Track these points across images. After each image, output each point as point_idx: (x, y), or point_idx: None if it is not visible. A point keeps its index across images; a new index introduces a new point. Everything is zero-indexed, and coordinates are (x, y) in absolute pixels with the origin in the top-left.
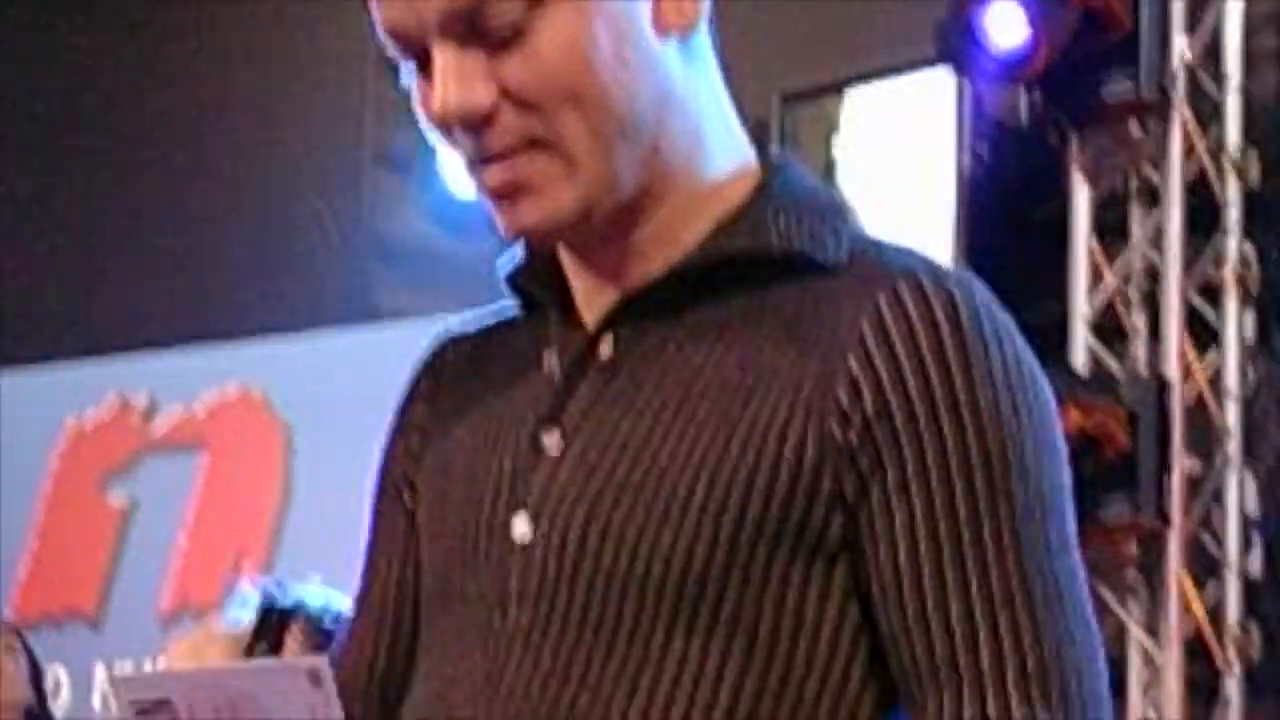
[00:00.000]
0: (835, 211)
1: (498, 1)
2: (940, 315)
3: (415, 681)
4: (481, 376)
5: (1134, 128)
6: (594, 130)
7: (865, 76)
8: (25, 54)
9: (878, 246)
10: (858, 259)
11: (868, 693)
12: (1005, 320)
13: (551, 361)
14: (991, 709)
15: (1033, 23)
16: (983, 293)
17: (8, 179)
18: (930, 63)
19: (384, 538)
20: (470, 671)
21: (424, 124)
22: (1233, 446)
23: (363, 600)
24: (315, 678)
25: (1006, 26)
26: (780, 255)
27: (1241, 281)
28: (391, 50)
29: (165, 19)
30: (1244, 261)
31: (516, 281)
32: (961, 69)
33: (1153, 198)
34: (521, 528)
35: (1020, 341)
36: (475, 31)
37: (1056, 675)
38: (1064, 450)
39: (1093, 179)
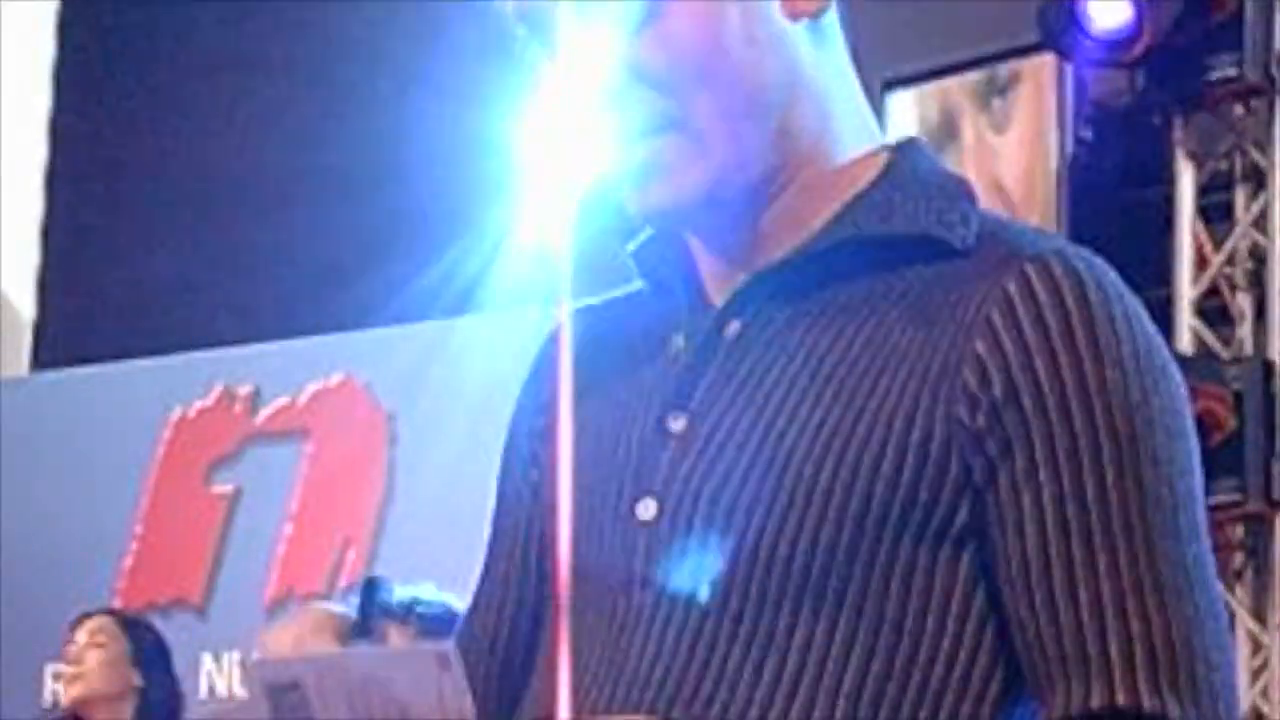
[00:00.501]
0: (961, 194)
1: None
2: (1069, 298)
3: (538, 656)
4: (608, 356)
5: (1238, 110)
6: (723, 111)
7: (968, 65)
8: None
9: (1006, 228)
10: (986, 241)
11: (994, 679)
12: (1135, 304)
13: (679, 343)
14: (1121, 698)
15: (1135, 4)
16: (1112, 276)
17: (115, 169)
18: (1033, 49)
19: (509, 514)
20: (593, 652)
21: (562, 104)
22: None
23: (487, 573)
24: (444, 662)
25: (1108, 9)
26: (908, 237)
27: None
28: (516, 29)
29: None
30: None
31: (644, 262)
32: (1064, 53)
33: (1258, 180)
34: (648, 509)
35: (1150, 325)
36: (607, 10)
37: (1186, 664)
38: (1194, 436)
39: (1197, 162)
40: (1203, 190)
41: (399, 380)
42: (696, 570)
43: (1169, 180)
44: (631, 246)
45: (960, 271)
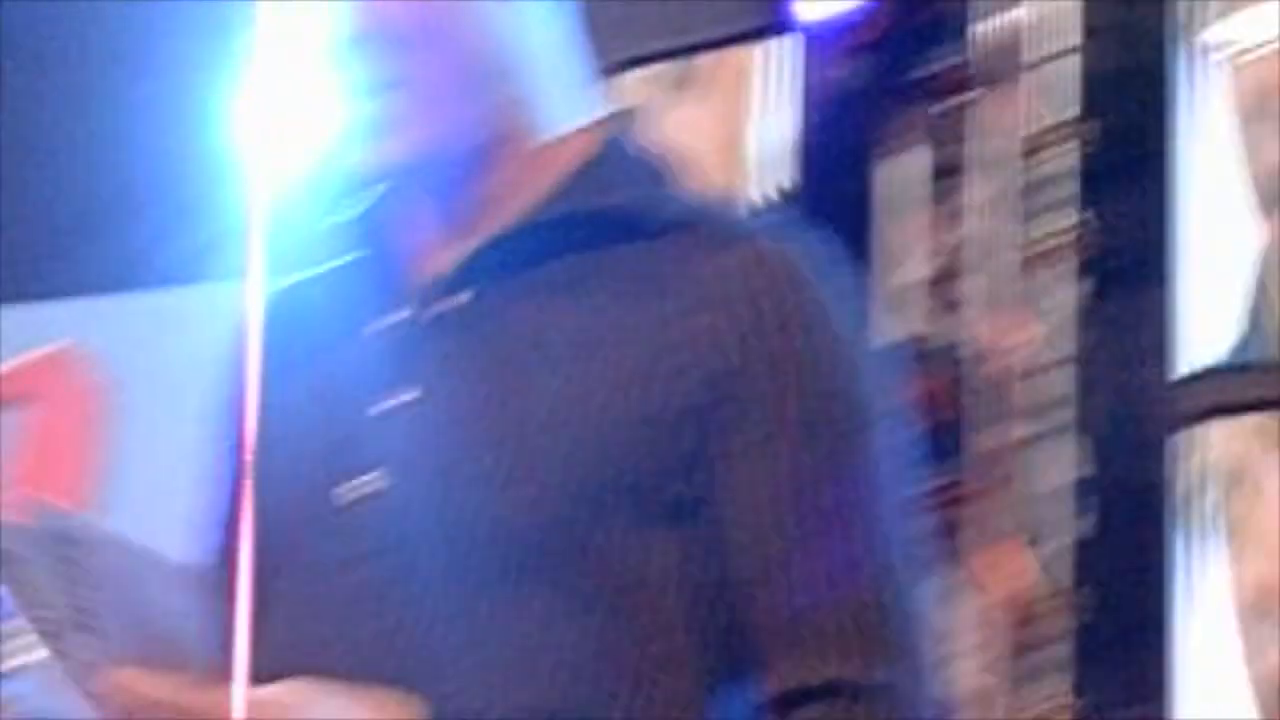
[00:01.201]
0: (678, 173)
1: None
2: (786, 278)
3: (263, 636)
4: (321, 330)
5: (968, 97)
6: (453, 71)
7: (705, 46)
8: None
9: (722, 208)
10: (702, 220)
11: (712, 656)
12: (847, 283)
13: (397, 315)
14: (836, 670)
15: None
16: (826, 256)
17: None
18: (771, 32)
19: (237, 489)
20: (323, 627)
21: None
22: (1061, 412)
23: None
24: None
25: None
26: (626, 214)
27: (1071, 250)
28: None
29: None
30: (1075, 231)
31: (355, 233)
32: (794, 36)
33: (986, 167)
34: (370, 483)
35: (861, 305)
36: None
37: (901, 638)
38: (906, 414)
39: (927, 147)
40: (931, 176)
41: (125, 349)
42: (424, 543)
43: (899, 165)
44: (340, 218)
45: (679, 249)
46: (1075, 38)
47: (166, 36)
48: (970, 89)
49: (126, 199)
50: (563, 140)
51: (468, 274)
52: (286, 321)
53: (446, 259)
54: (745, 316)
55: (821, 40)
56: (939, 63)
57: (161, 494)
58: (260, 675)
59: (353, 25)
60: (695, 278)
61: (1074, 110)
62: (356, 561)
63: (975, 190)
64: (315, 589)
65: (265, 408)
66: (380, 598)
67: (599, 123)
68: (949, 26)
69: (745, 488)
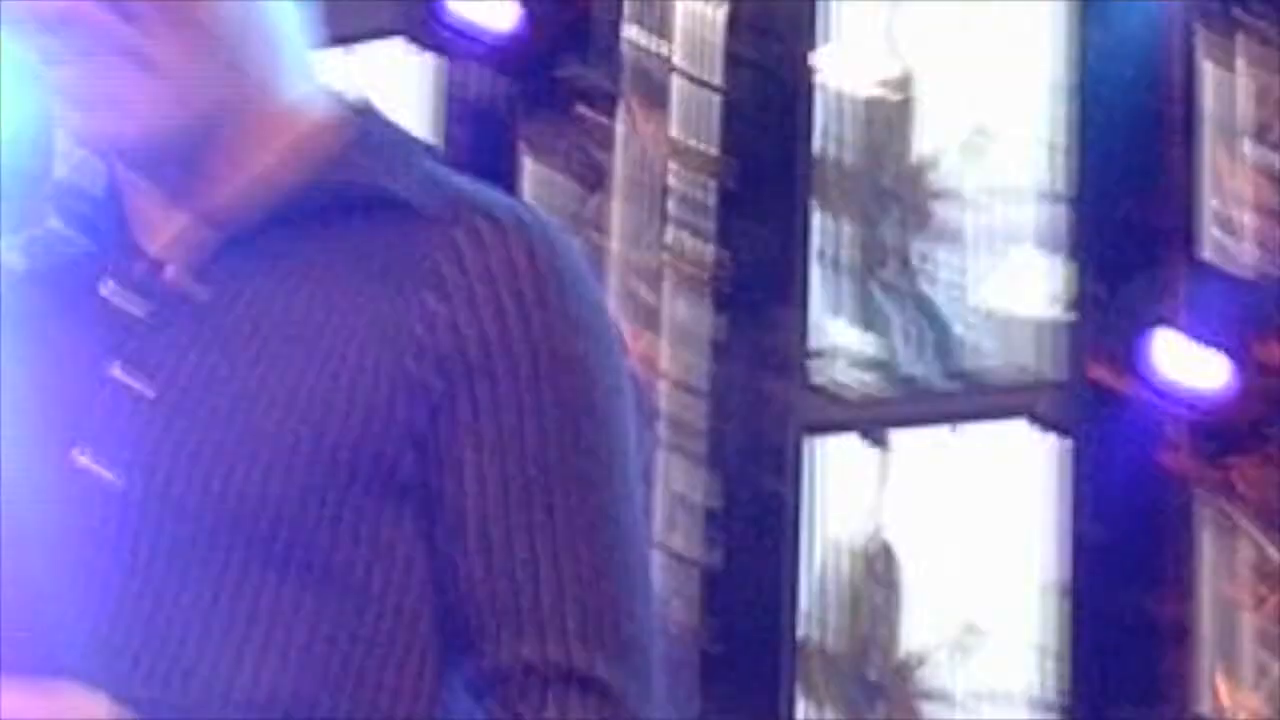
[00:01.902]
0: (418, 151)
1: None
2: (517, 252)
3: None
4: (27, 307)
5: (585, 111)
6: (178, 40)
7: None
8: None
9: (459, 187)
10: (439, 197)
11: (445, 635)
12: (583, 264)
13: (117, 292)
14: (551, 652)
15: (496, 2)
16: (561, 235)
17: None
18: (391, 33)
19: None
20: (52, 603)
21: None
22: (661, 428)
23: None
24: None
25: (471, 6)
26: (365, 193)
27: (677, 268)
28: None
29: None
30: (681, 250)
31: (65, 200)
32: (428, 45)
33: (599, 181)
34: (100, 471)
35: (596, 286)
36: None
37: (617, 622)
38: (632, 399)
39: (540, 158)
40: (544, 186)
41: None
42: (156, 530)
43: (515, 175)
44: (61, 181)
45: (414, 226)
46: (717, 75)
47: None
48: (614, 109)
49: None
50: (290, 115)
51: (184, 251)
52: (8, 282)
53: (171, 230)
54: (477, 294)
55: (464, 53)
56: (583, 80)
57: None
58: None
59: None
60: (429, 254)
61: (712, 142)
62: (85, 535)
63: (613, 209)
64: (45, 560)
65: None
66: (109, 588)
67: (339, 104)
68: (595, 46)
69: (473, 465)
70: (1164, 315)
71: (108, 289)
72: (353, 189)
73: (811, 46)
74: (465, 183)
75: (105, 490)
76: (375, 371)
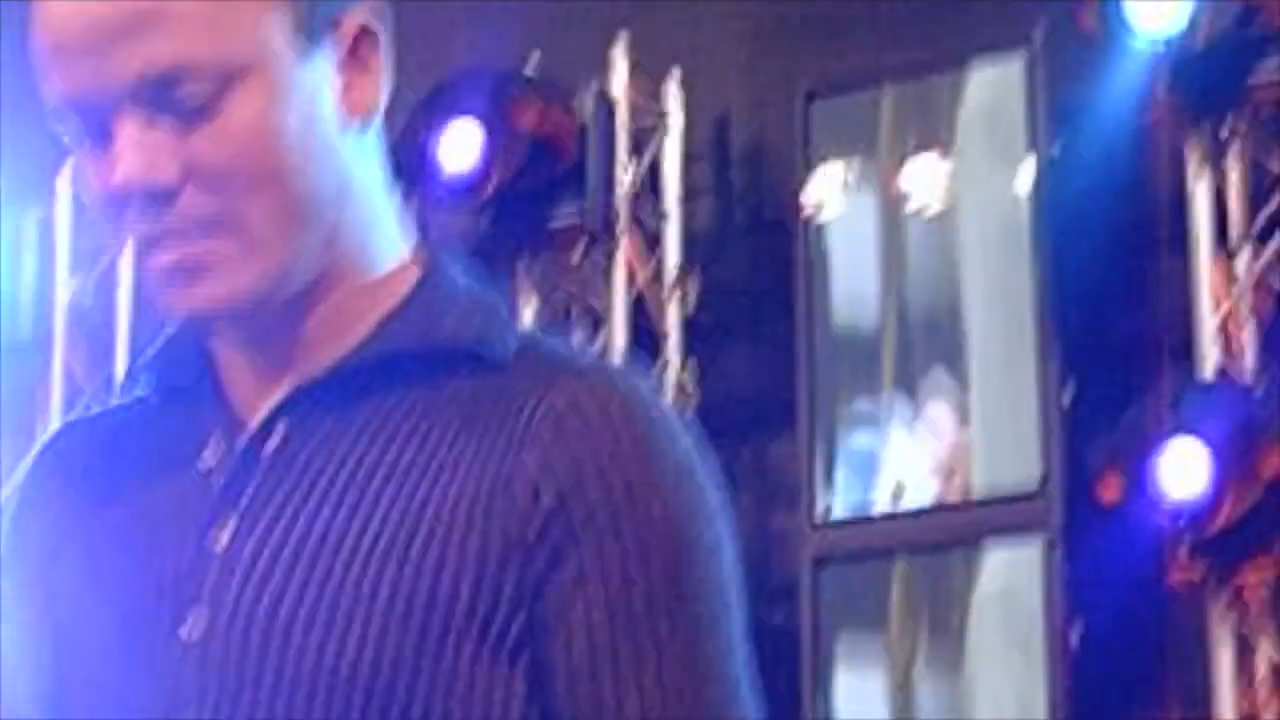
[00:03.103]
0: (496, 308)
1: (192, 75)
2: (614, 415)
3: None
4: (121, 469)
5: (578, 254)
6: (278, 214)
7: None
8: None
9: (544, 344)
10: (525, 356)
11: None
12: (674, 420)
13: (211, 458)
14: None
15: (483, 149)
16: (652, 393)
17: None
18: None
19: (9, 644)
20: None
21: (91, 199)
22: None
23: None
24: None
25: (457, 152)
26: (449, 352)
27: (679, 406)
28: (61, 119)
29: None
30: (681, 389)
31: (158, 371)
32: (414, 193)
33: (594, 321)
34: (193, 630)
35: (689, 441)
36: (164, 105)
37: None
38: (729, 551)
39: (539, 302)
40: (543, 329)
41: None
42: (253, 690)
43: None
44: (155, 350)
45: (503, 385)
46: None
47: None
48: (587, 244)
49: None
50: (385, 276)
51: (280, 419)
52: (92, 454)
53: (268, 399)
54: (574, 452)
55: (442, 193)
56: (558, 219)
57: None
58: None
59: (175, 164)
60: (522, 413)
61: (675, 266)
62: (182, 708)
63: (579, 340)
64: None
65: (79, 538)
66: None
67: (416, 257)
68: (566, 184)
69: (580, 628)
70: (1166, 426)
71: (208, 459)
72: (438, 350)
73: (800, 183)
74: (546, 340)
75: (217, 662)
76: (478, 534)
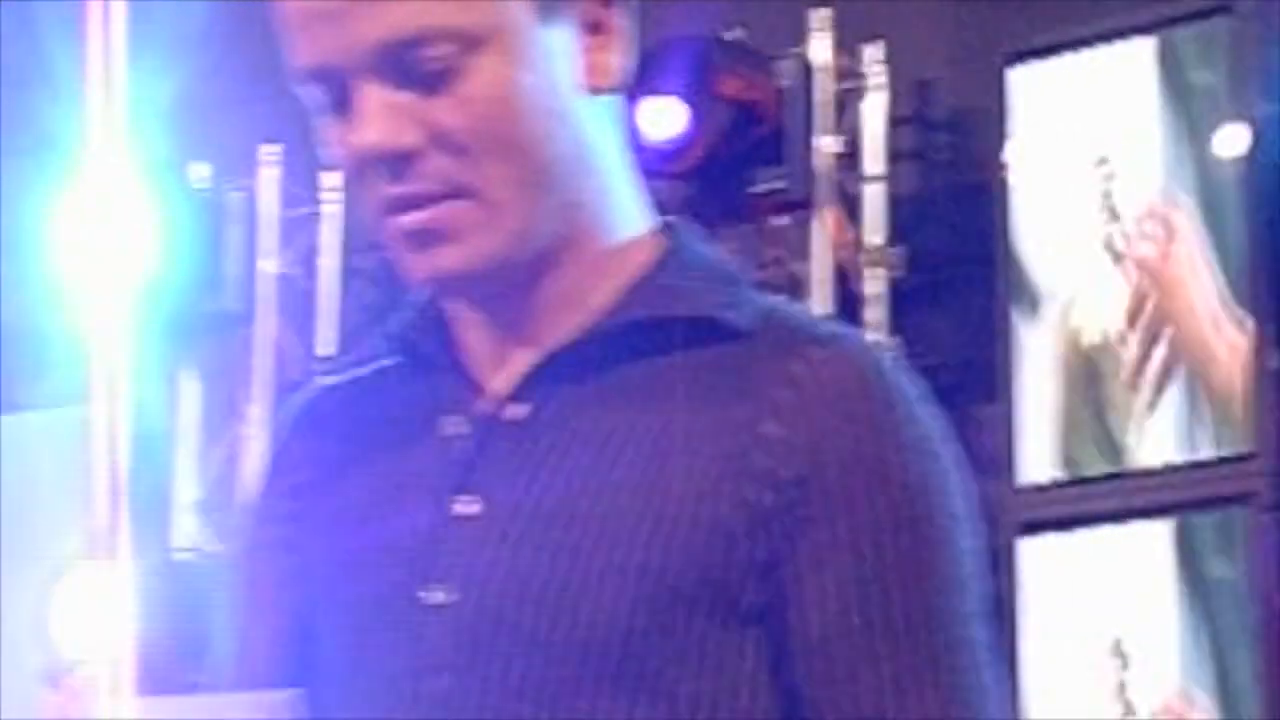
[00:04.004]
0: (739, 279)
1: (434, 41)
2: (854, 382)
3: None
4: (368, 433)
5: (780, 221)
6: (518, 179)
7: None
8: None
9: (786, 312)
10: (768, 325)
11: None
12: (916, 388)
13: (455, 423)
14: None
15: (688, 118)
16: (893, 360)
17: None
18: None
19: (262, 603)
20: None
21: (337, 164)
22: None
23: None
24: (289, 706)
25: (660, 120)
26: (693, 320)
27: None
28: (305, 85)
29: None
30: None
31: (401, 338)
32: None
33: (795, 290)
34: (440, 594)
35: (931, 409)
36: (405, 71)
37: None
38: (974, 517)
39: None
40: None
41: None
42: (491, 653)
43: None
44: (398, 317)
45: (745, 354)
46: (880, 166)
47: None
48: (789, 211)
49: None
50: (625, 244)
51: (526, 387)
52: (341, 417)
53: (510, 367)
54: (816, 421)
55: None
56: (760, 185)
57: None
58: None
59: (417, 130)
60: (765, 382)
61: (880, 235)
62: (431, 671)
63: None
64: (391, 696)
65: (329, 498)
66: (458, 709)
67: (656, 230)
68: (768, 151)
69: (818, 596)
70: None
71: (450, 426)
72: (683, 318)
73: (1001, 142)
74: (788, 308)
75: (456, 625)
76: (718, 502)
